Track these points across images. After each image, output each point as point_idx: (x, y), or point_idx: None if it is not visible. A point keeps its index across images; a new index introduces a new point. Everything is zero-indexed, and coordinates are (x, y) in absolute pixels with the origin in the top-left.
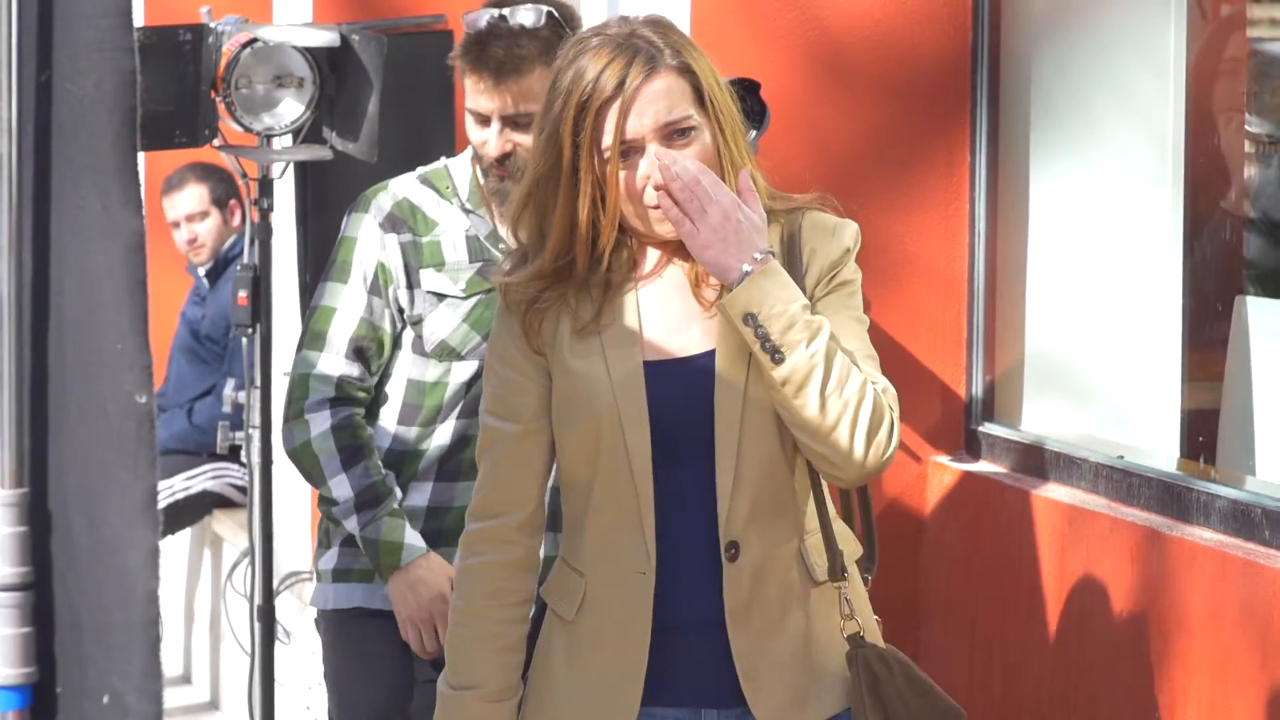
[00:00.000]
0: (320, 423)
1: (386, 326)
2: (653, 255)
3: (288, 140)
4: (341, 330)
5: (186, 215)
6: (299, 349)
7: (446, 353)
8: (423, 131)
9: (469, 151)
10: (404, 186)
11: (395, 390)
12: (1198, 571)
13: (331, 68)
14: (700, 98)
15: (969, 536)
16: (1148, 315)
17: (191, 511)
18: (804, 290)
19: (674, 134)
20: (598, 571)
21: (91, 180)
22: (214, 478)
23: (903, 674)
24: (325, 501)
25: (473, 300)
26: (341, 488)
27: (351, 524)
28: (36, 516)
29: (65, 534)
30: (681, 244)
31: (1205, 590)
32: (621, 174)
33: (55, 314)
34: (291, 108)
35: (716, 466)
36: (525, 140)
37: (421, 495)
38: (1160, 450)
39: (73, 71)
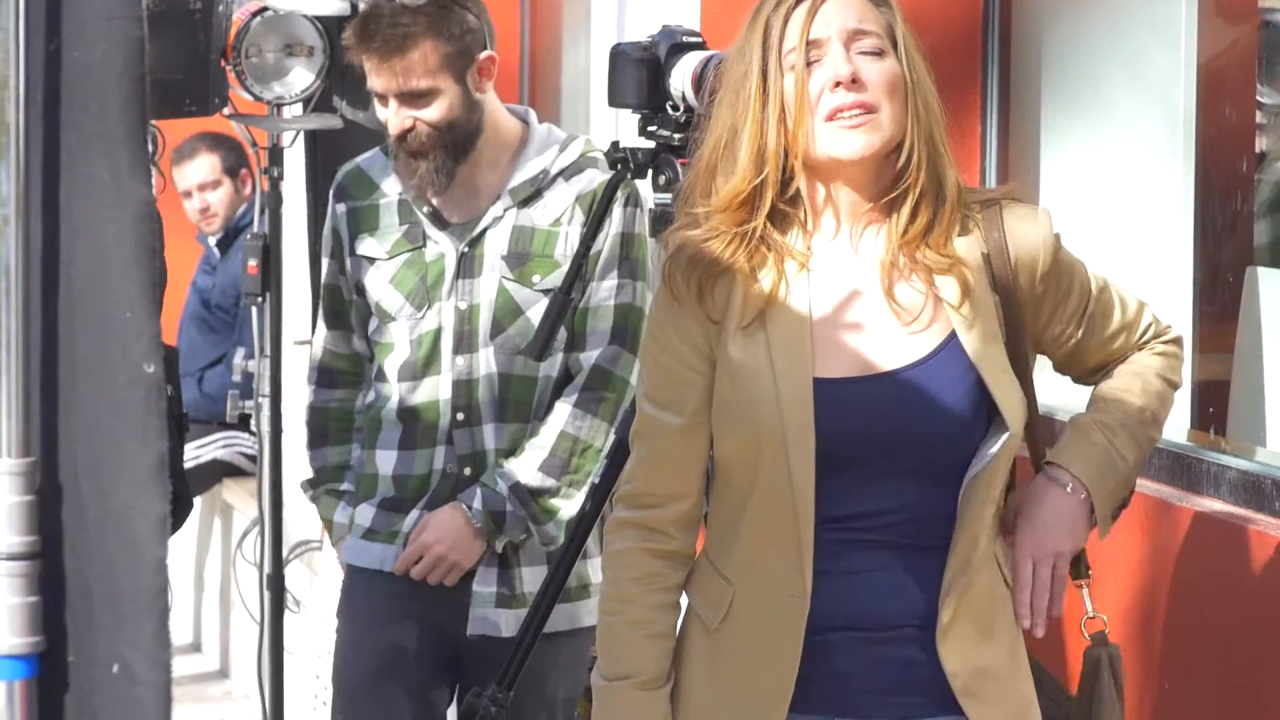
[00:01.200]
0: (309, 395)
1: (345, 293)
2: (828, 231)
3: (298, 109)
4: (325, 303)
5: (199, 184)
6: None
7: (383, 315)
8: None
9: None
10: (369, 154)
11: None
12: (1207, 543)
13: (342, 36)
14: (894, 38)
15: None
16: (1158, 286)
17: (201, 480)
18: (1014, 280)
19: (863, 46)
20: (748, 584)
21: (101, 149)
22: (224, 446)
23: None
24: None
25: (397, 261)
26: (312, 460)
27: (308, 493)
28: (47, 486)
29: (75, 503)
30: (862, 209)
31: (1214, 561)
32: (807, 81)
33: (65, 283)
34: (302, 76)
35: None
36: (423, 115)
37: (388, 462)
38: (1170, 421)
39: (81, 40)
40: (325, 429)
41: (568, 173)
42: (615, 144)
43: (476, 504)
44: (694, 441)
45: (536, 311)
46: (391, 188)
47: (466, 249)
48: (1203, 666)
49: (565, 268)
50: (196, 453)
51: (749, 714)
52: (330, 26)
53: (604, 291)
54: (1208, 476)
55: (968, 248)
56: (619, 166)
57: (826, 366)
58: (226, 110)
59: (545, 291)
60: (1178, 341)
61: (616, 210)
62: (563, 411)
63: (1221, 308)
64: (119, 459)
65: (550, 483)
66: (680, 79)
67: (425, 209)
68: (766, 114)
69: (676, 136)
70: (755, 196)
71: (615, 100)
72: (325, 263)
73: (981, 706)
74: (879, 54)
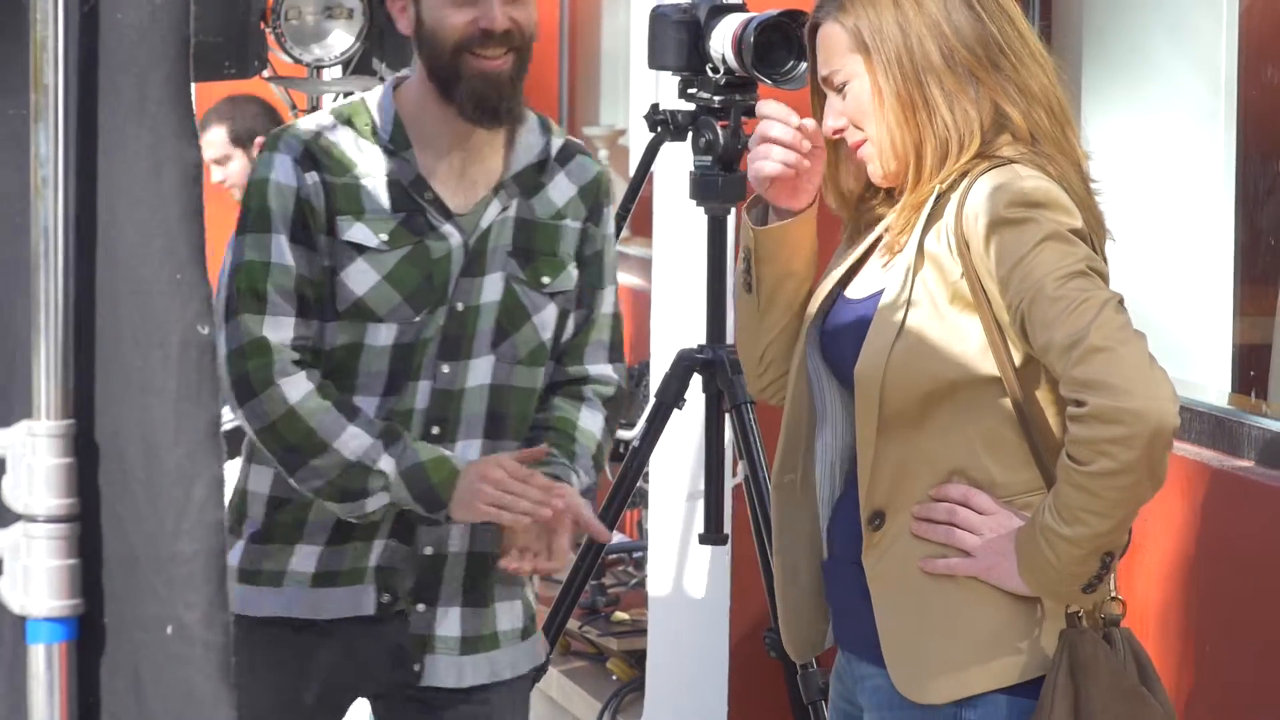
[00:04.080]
0: (300, 385)
1: (310, 274)
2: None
3: (337, 71)
4: (280, 285)
5: (213, 159)
6: (231, 315)
7: (361, 313)
8: None
9: (389, 84)
10: (313, 122)
11: None
12: (1248, 505)
13: None
14: (863, 44)
15: None
16: (1199, 250)
17: (233, 444)
18: (968, 252)
19: (835, 84)
20: None
21: (145, 110)
22: None
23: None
24: (310, 474)
25: (398, 254)
26: (358, 438)
27: (387, 465)
28: (84, 448)
29: (117, 466)
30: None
31: (1255, 524)
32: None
33: (105, 245)
34: (341, 39)
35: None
36: (519, 15)
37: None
38: (1211, 385)
39: (124, 1)
40: (345, 399)
41: (561, 158)
42: (655, 106)
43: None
44: None
45: (544, 318)
46: (373, 167)
47: (474, 243)
48: (1242, 627)
49: (570, 268)
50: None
51: None
52: None
53: (608, 301)
54: (1249, 439)
55: (940, 221)
56: (659, 129)
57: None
58: (266, 73)
59: (553, 295)
60: (1085, 419)
61: (606, 211)
62: (596, 425)
63: (1263, 271)
64: (171, 420)
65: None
66: (720, 41)
67: (428, 194)
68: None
69: (716, 99)
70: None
71: (655, 62)
72: (276, 245)
73: None
74: (845, 84)
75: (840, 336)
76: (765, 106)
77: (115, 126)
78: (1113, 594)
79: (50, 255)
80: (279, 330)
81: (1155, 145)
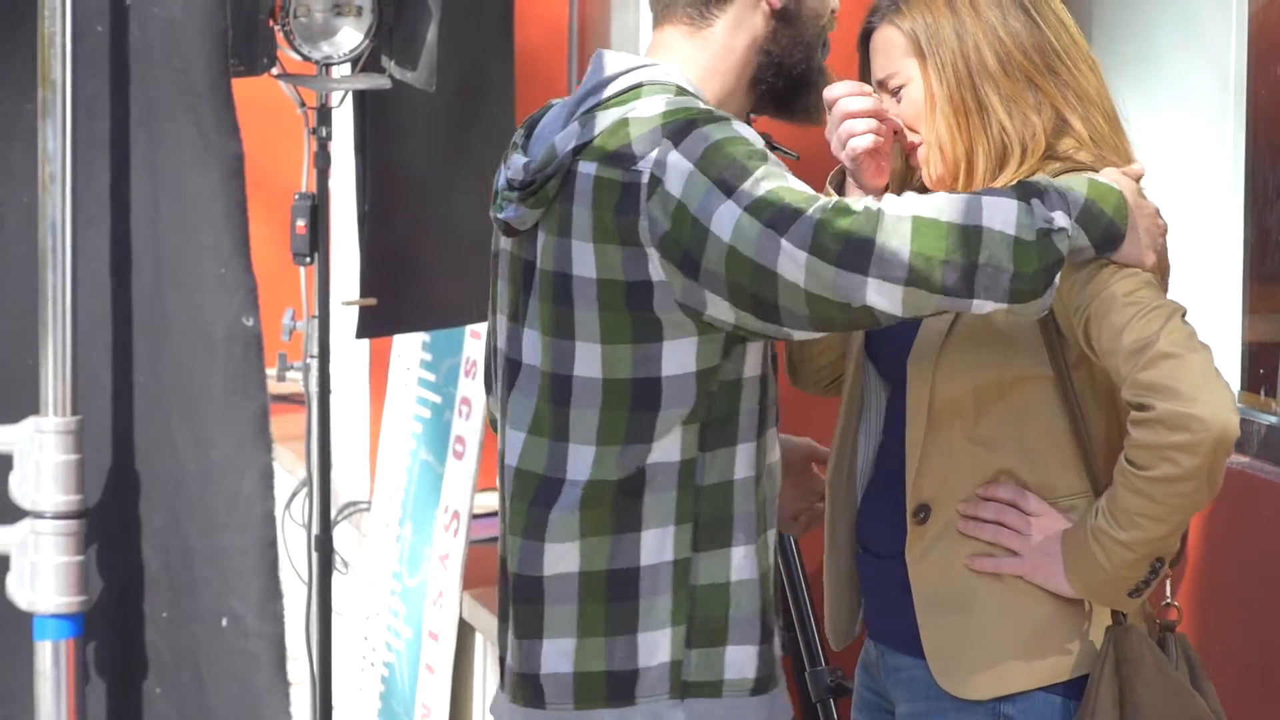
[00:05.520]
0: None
1: None
2: None
3: (346, 69)
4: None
5: None
6: (777, 225)
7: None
8: (481, 60)
9: (669, 64)
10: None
11: None
12: (1260, 505)
13: None
14: (919, 47)
15: None
16: (1209, 246)
17: None
18: None
19: (891, 87)
20: None
21: (185, 104)
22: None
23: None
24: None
25: None
26: (1002, 205)
27: (1060, 219)
28: (120, 443)
29: (171, 460)
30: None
31: (1268, 524)
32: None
33: (151, 241)
34: (350, 36)
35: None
36: None
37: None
38: None
39: None
40: None
41: None
42: None
43: None
44: None
45: None
46: None
47: None
48: (1244, 629)
49: None
50: None
51: None
52: None
53: None
54: (1259, 438)
55: None
56: None
57: None
58: (274, 70)
59: None
60: (1150, 424)
61: None
62: None
63: (1273, 269)
64: (219, 413)
65: None
66: None
67: None
68: None
69: None
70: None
71: None
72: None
73: None
74: (900, 88)
75: (887, 330)
76: (836, 88)
77: (159, 120)
78: (1168, 600)
79: (58, 251)
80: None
81: (1164, 143)
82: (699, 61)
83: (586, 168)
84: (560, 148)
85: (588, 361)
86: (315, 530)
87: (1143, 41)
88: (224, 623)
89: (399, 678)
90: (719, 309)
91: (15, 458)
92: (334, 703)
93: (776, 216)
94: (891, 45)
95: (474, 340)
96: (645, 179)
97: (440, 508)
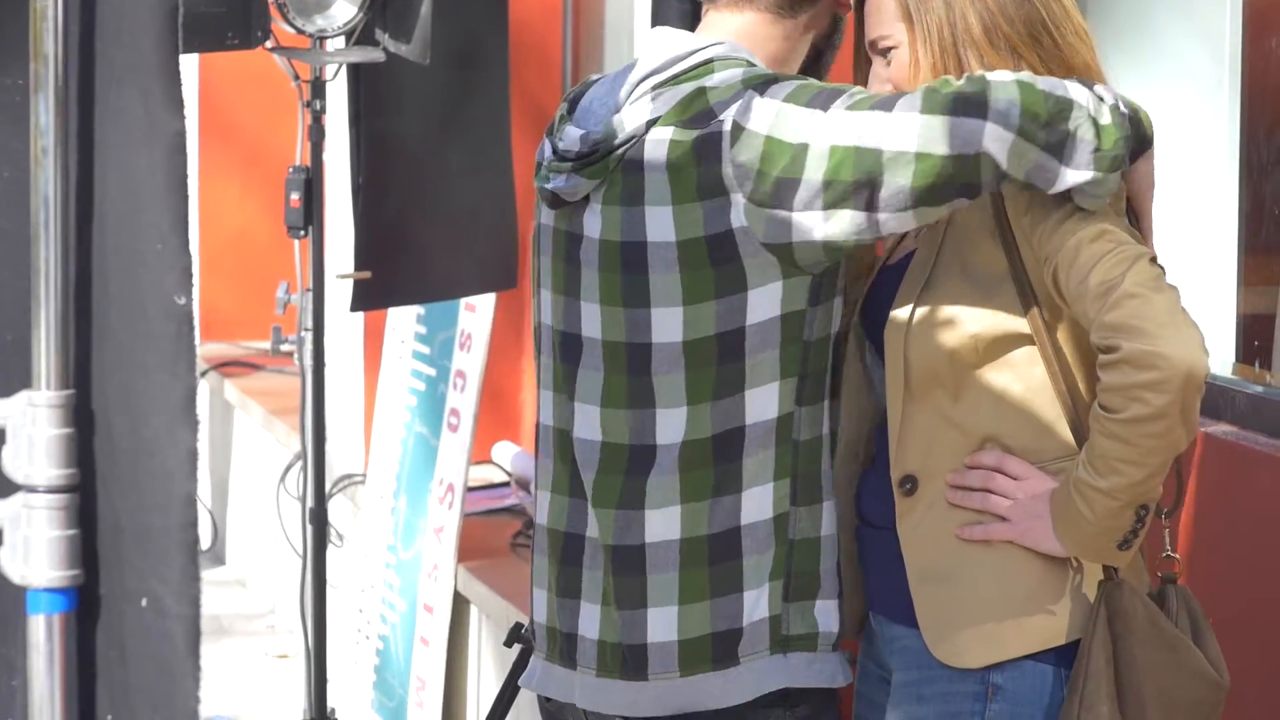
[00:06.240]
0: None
1: None
2: None
3: (340, 42)
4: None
5: None
6: (884, 105)
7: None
8: (475, 33)
9: (735, 44)
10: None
11: None
12: (1254, 477)
13: None
14: (908, 12)
15: None
16: (1204, 220)
17: None
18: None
19: (881, 49)
20: None
21: (134, 80)
22: None
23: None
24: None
25: None
26: (1080, 89)
27: (1105, 116)
28: (82, 418)
29: (106, 436)
30: None
31: (1261, 496)
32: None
33: (99, 216)
34: (344, 9)
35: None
36: None
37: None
38: (1215, 355)
39: None
40: None
41: None
42: None
43: None
44: None
45: None
46: None
47: None
48: (1236, 599)
49: None
50: None
51: None
52: None
53: None
54: (1252, 411)
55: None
56: None
57: None
58: (268, 43)
59: None
60: (1117, 365)
61: None
62: None
63: (1267, 241)
64: (151, 391)
65: None
66: None
67: None
68: None
69: None
70: None
71: None
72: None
73: None
74: (890, 50)
75: (873, 302)
76: None
77: (108, 96)
78: (1166, 551)
79: (50, 225)
80: None
81: (1159, 116)
82: (770, 49)
83: (660, 134)
84: (631, 122)
85: (667, 326)
86: (310, 503)
87: (1138, 14)
88: (144, 603)
89: (394, 651)
90: (808, 229)
91: (8, 431)
92: (329, 675)
93: (880, 102)
94: (884, 8)
95: (468, 313)
96: (728, 127)
97: (435, 480)
